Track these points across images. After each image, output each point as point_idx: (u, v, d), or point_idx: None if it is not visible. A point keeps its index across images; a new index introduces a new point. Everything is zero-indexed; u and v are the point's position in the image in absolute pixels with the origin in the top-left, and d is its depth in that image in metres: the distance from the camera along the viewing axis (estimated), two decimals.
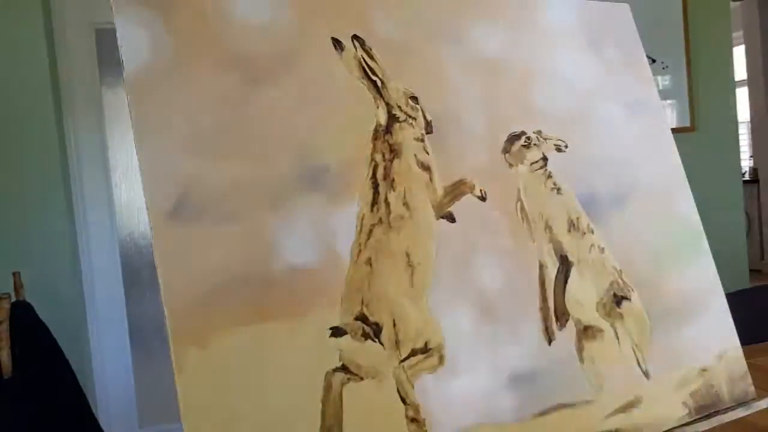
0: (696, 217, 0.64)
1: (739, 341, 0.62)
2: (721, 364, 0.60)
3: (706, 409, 0.58)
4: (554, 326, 0.53)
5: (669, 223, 0.63)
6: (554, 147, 0.58)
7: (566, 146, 0.59)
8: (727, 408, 0.58)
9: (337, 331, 0.44)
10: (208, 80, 0.44)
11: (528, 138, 0.57)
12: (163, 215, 0.40)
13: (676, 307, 0.60)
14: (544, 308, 0.53)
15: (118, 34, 0.42)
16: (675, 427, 0.55)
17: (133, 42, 0.43)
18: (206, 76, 0.44)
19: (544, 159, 0.57)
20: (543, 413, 0.50)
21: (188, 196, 0.41)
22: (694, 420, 0.56)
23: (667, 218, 0.62)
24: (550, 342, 0.52)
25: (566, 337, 0.53)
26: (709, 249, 0.64)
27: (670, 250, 0.62)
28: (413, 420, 0.44)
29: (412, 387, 0.45)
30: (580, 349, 0.54)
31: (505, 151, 0.56)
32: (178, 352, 0.38)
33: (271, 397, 0.40)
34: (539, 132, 0.58)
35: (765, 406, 0.59)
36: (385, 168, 0.49)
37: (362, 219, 0.47)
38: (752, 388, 0.61)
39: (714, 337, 0.61)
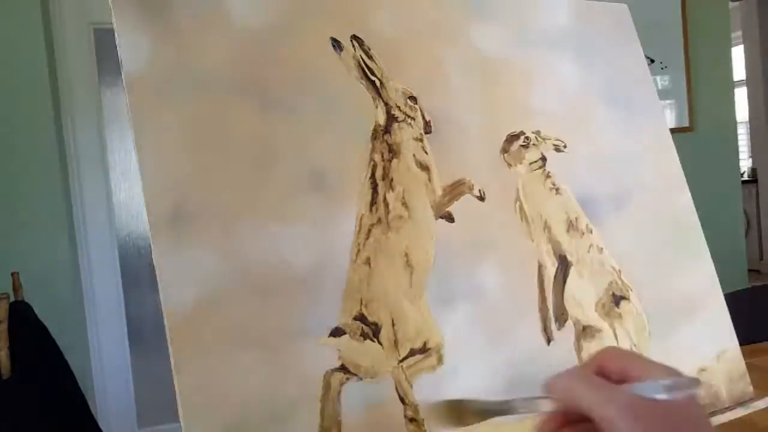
0: (695, 217, 0.64)
1: (737, 341, 0.62)
2: (719, 364, 0.60)
3: (704, 408, 0.58)
4: (553, 326, 0.53)
5: (667, 223, 0.63)
6: (553, 147, 0.58)
7: (565, 146, 0.59)
8: (726, 408, 0.59)
9: (336, 331, 0.44)
10: (208, 81, 0.44)
11: (527, 138, 0.57)
12: (163, 216, 0.40)
13: (674, 307, 0.60)
14: (542, 308, 0.53)
15: (116, 35, 0.42)
16: None
17: (132, 42, 0.43)
18: (206, 76, 0.44)
19: (543, 159, 0.57)
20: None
21: (187, 198, 0.41)
22: None
23: (666, 218, 0.62)
24: (548, 342, 0.52)
25: (565, 337, 0.53)
26: (707, 249, 0.64)
27: (668, 250, 0.62)
28: (412, 420, 0.44)
29: (411, 387, 0.45)
30: (578, 349, 0.54)
31: (504, 151, 0.56)
32: (177, 352, 0.38)
33: (270, 397, 0.40)
34: (538, 132, 0.58)
35: (764, 406, 0.59)
36: (384, 168, 0.49)
37: (361, 219, 0.47)
38: (751, 388, 0.61)
39: (713, 337, 0.61)
